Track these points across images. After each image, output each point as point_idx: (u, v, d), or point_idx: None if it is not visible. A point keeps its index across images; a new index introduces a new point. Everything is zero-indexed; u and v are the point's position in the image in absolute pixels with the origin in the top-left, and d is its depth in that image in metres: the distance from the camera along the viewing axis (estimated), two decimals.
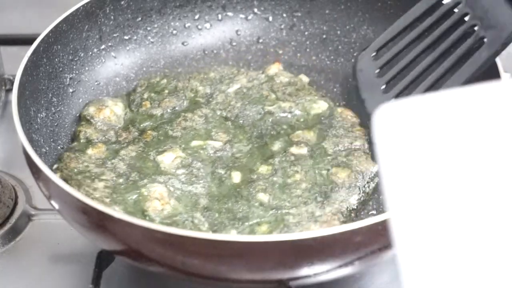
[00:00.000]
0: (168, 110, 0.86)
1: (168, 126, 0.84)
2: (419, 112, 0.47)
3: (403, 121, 0.46)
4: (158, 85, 0.89)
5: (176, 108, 0.86)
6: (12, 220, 0.83)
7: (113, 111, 0.85)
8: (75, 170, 0.78)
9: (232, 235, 0.72)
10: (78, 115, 0.86)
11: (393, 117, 0.46)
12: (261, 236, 0.71)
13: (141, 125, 0.85)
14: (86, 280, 0.76)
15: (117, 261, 0.77)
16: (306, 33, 0.96)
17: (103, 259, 0.77)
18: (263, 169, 0.79)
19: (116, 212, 0.68)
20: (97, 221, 0.68)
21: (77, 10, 0.87)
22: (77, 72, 0.88)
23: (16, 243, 0.83)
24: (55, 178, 0.69)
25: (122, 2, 0.91)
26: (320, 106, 0.86)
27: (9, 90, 0.96)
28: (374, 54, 0.87)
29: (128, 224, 0.65)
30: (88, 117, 0.84)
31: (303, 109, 0.85)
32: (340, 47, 0.94)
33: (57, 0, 0.94)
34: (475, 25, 0.81)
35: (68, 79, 0.87)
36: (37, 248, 0.82)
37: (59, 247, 0.82)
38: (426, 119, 0.46)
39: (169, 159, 0.80)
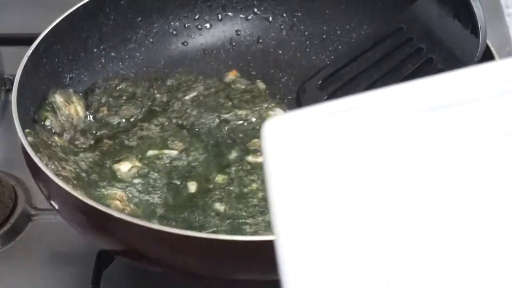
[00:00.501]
0: (125, 119, 0.85)
1: (124, 135, 0.83)
2: (313, 124, 0.44)
3: (293, 136, 0.43)
4: (116, 89, 0.88)
5: (133, 117, 0.85)
6: (12, 220, 0.83)
7: (76, 111, 0.84)
8: (45, 143, 0.77)
9: (234, 236, 0.72)
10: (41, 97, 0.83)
11: (283, 131, 0.44)
12: (262, 236, 0.71)
13: (98, 133, 0.83)
14: (86, 280, 0.75)
15: (117, 261, 0.77)
16: (306, 33, 0.96)
17: (103, 259, 0.77)
18: (219, 178, 0.79)
19: (116, 212, 0.68)
20: (97, 221, 0.68)
21: (77, 10, 0.87)
22: (76, 72, 0.88)
23: (16, 243, 0.83)
24: (55, 178, 0.69)
25: (122, 2, 0.91)
26: (277, 113, 0.85)
27: (9, 90, 0.96)
28: (319, 82, 0.87)
29: (128, 224, 0.65)
30: (54, 106, 0.82)
31: (259, 116, 0.85)
32: (340, 47, 0.94)
33: (57, 0, 0.94)
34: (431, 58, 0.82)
35: (68, 79, 0.87)
36: (37, 248, 0.82)
37: (59, 247, 0.82)
38: (321, 132, 0.44)
39: (125, 168, 0.79)
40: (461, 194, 0.44)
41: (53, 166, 0.74)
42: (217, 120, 0.84)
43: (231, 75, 0.91)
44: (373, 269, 0.42)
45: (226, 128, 0.84)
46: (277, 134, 0.43)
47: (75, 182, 0.75)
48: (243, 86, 0.88)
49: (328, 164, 0.43)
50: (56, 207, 0.73)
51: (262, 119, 0.84)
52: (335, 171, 0.43)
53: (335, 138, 0.44)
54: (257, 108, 0.85)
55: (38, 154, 0.72)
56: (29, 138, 0.74)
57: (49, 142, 0.78)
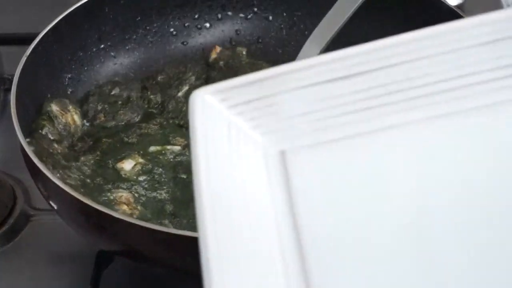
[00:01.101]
0: (123, 123, 0.84)
1: (123, 134, 0.82)
2: (237, 94, 0.42)
3: (220, 110, 0.42)
4: (110, 95, 0.87)
5: (131, 121, 0.85)
6: (11, 220, 0.83)
7: (73, 119, 0.83)
8: (47, 151, 0.77)
9: None
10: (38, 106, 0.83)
11: (210, 104, 0.42)
12: None
13: (96, 136, 0.83)
14: (85, 280, 0.75)
15: (116, 261, 0.77)
16: (306, 33, 0.95)
17: (102, 259, 0.77)
18: None
19: (115, 212, 0.68)
20: (96, 221, 0.68)
21: (77, 9, 0.86)
22: (76, 71, 0.88)
23: (15, 243, 0.83)
24: (54, 178, 0.68)
25: (122, 2, 0.90)
26: None
27: (8, 90, 0.96)
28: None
29: (127, 224, 0.65)
30: (51, 115, 0.81)
31: None
32: (340, 47, 0.94)
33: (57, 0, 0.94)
34: None
35: (67, 79, 0.87)
36: (36, 248, 0.82)
37: (58, 247, 0.82)
38: (245, 100, 0.42)
39: (129, 166, 0.78)
40: (386, 165, 0.43)
41: (58, 175, 0.74)
42: None
43: (214, 53, 0.90)
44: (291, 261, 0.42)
45: None
46: (203, 104, 0.42)
47: (82, 190, 0.74)
48: (224, 62, 0.88)
49: (250, 133, 0.42)
50: (55, 207, 0.73)
51: None
52: (258, 140, 0.42)
53: (260, 106, 0.43)
54: None
55: (42, 163, 0.71)
56: (31, 148, 0.73)
57: (51, 150, 0.78)
